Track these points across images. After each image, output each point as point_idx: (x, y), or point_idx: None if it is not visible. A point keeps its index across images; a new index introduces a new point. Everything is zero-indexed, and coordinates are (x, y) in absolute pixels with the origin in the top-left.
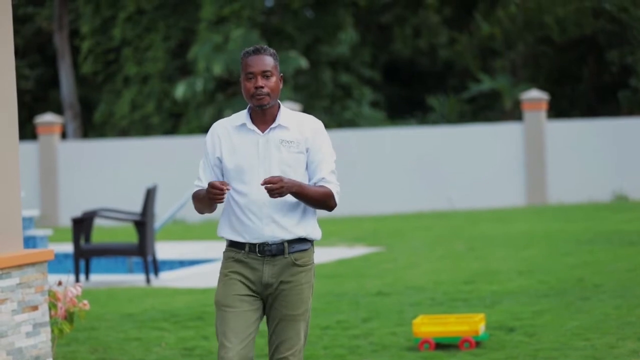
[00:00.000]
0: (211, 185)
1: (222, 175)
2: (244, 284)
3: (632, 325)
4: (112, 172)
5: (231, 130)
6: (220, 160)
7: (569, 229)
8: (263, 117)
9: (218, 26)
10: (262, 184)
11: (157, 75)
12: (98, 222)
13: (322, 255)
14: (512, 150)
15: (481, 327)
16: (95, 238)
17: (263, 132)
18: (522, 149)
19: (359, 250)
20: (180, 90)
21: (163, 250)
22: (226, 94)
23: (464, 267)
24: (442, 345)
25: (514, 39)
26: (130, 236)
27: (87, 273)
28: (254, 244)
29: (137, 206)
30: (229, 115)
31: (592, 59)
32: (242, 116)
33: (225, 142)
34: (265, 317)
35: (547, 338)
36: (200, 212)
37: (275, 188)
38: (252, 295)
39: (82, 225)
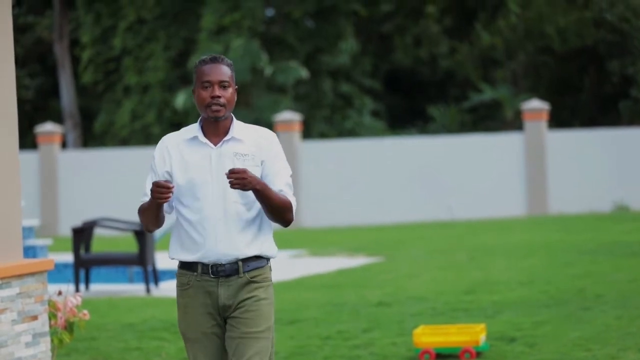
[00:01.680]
0: (156, 184)
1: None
2: (204, 313)
3: (634, 336)
4: (112, 182)
5: (181, 144)
6: (169, 174)
7: (570, 239)
8: (216, 130)
9: (218, 36)
10: (226, 173)
11: (158, 85)
12: (98, 231)
13: (322, 265)
14: (512, 160)
15: (482, 338)
16: (95, 248)
17: (216, 144)
18: (523, 159)
19: (359, 260)
20: (180, 100)
21: (163, 259)
22: None
23: (464, 277)
24: (443, 355)
25: (514, 49)
26: (130, 246)
27: (87, 283)
28: (207, 265)
29: (137, 216)
30: None
31: (593, 69)
32: (194, 129)
33: (176, 156)
34: (225, 343)
35: (547, 348)
36: (147, 227)
37: (237, 178)
38: (216, 324)
39: (82, 234)
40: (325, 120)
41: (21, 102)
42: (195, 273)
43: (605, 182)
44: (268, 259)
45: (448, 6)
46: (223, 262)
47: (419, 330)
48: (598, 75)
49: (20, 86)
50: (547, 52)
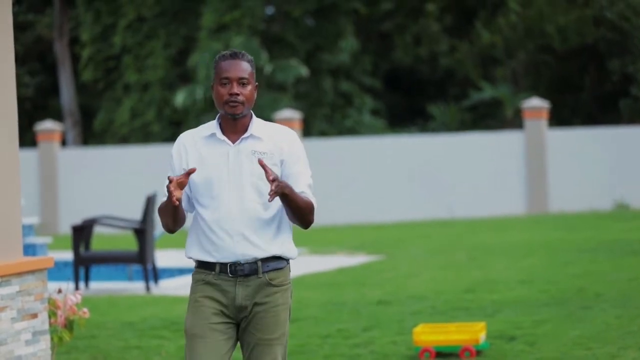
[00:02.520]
0: (169, 180)
1: (190, 190)
2: (215, 309)
3: (634, 334)
4: (112, 180)
5: (199, 141)
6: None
7: (570, 238)
8: (234, 127)
9: (219, 34)
10: (270, 181)
11: (158, 83)
12: (98, 229)
13: (322, 263)
14: (512, 158)
15: (482, 336)
16: (95, 246)
17: (234, 142)
18: (523, 158)
19: (359, 259)
20: (180, 98)
21: (163, 258)
22: None
23: (464, 276)
24: (443, 354)
25: (514, 47)
26: (130, 244)
27: (86, 281)
28: (225, 264)
29: (137, 214)
30: None
31: (593, 68)
32: (212, 126)
33: (193, 153)
34: (239, 343)
35: (547, 347)
36: (167, 227)
37: (277, 187)
38: (225, 322)
39: (82, 232)
40: (325, 118)
41: (21, 100)
42: (212, 272)
43: (605, 181)
44: (287, 261)
45: (448, 4)
46: (242, 262)
47: (418, 328)
48: (598, 73)
49: (20, 84)
50: (548, 51)
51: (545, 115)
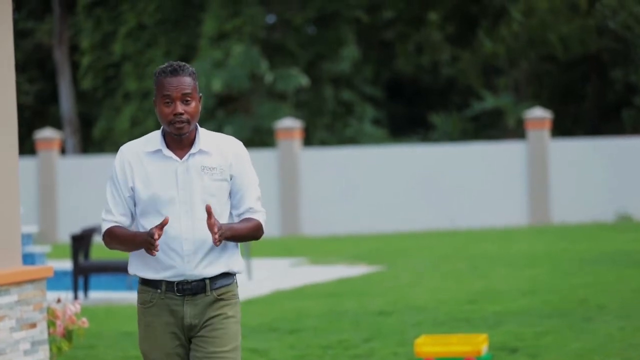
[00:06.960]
0: (150, 235)
1: (135, 206)
2: (167, 332)
3: (637, 347)
4: None
5: (143, 157)
6: (132, 190)
7: (573, 249)
8: (180, 142)
9: (219, 42)
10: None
11: None
12: (97, 238)
13: (322, 273)
14: (515, 169)
15: (484, 348)
16: (95, 255)
17: (181, 158)
18: (525, 168)
19: (360, 269)
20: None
21: None
22: (226, 110)
23: (466, 287)
24: None
25: (517, 57)
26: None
27: (86, 290)
28: (171, 282)
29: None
30: (229, 132)
31: (596, 77)
32: (156, 140)
33: (138, 170)
34: None
35: (550, 359)
36: (113, 249)
37: (221, 234)
38: (180, 344)
39: (81, 241)
40: (326, 127)
41: (20, 108)
42: (158, 290)
43: (607, 192)
44: (235, 276)
45: (450, 13)
46: (189, 280)
47: (420, 340)
48: (601, 83)
49: (19, 92)
50: (550, 60)
51: (547, 126)
